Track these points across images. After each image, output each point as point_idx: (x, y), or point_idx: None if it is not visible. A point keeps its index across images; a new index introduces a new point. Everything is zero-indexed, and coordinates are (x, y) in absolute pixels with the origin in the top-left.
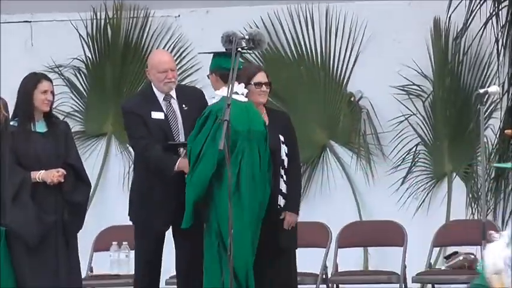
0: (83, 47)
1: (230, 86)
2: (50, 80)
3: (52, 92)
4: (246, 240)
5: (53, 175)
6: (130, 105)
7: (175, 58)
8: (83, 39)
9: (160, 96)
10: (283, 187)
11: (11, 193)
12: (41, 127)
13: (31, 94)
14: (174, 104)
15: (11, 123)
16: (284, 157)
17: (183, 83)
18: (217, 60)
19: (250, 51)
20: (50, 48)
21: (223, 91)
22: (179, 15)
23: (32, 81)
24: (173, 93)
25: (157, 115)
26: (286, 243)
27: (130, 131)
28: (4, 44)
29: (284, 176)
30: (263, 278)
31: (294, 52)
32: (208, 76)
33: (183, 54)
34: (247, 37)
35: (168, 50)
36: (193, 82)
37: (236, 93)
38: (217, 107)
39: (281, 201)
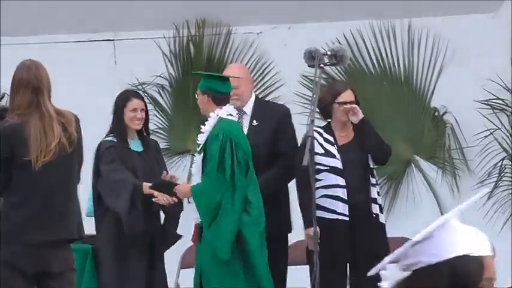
0: (166, 64)
1: (315, 100)
2: (141, 98)
3: (143, 110)
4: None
5: (167, 198)
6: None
7: (256, 74)
8: (166, 56)
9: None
10: (375, 195)
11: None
12: (136, 146)
13: (121, 112)
14: (245, 119)
15: (107, 138)
16: (373, 166)
17: (266, 99)
18: (212, 82)
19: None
20: (134, 66)
21: (218, 112)
22: (261, 32)
23: (122, 99)
24: (248, 108)
25: None
26: (382, 249)
27: None
28: (88, 62)
29: (376, 185)
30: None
31: (377, 67)
32: (196, 95)
33: (266, 71)
34: (329, 53)
35: (249, 66)
36: (276, 99)
37: (231, 114)
38: (226, 130)
39: (375, 209)
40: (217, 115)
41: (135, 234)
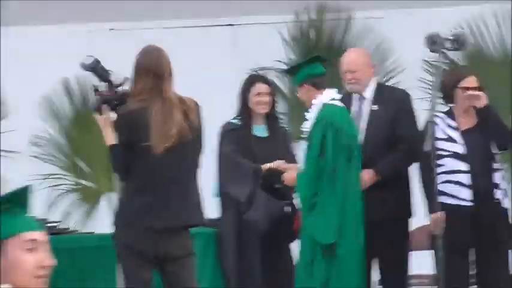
0: (285, 49)
1: (437, 85)
2: (267, 82)
3: (269, 94)
4: None
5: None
6: None
7: (377, 60)
8: (286, 42)
9: (355, 96)
10: (498, 180)
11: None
12: (261, 131)
13: (246, 96)
14: (365, 104)
15: (233, 121)
16: (495, 151)
17: (389, 83)
18: (305, 69)
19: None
20: (254, 51)
21: (321, 98)
22: (382, 17)
23: (246, 83)
24: (368, 93)
25: None
26: (505, 235)
27: None
28: (209, 47)
29: (499, 170)
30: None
31: (500, 52)
32: (295, 92)
33: (386, 56)
34: (451, 38)
35: (370, 51)
36: (397, 84)
37: (333, 99)
38: (328, 116)
39: (498, 195)
40: (321, 101)
41: (256, 221)
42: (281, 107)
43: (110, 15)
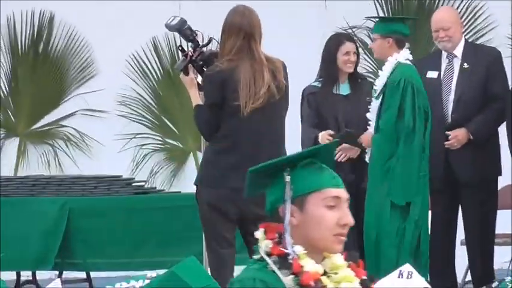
0: (376, 7)
1: None
2: (353, 41)
3: (355, 53)
4: None
5: (346, 154)
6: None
7: (469, 18)
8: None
9: (444, 55)
10: None
11: None
12: (344, 89)
13: (334, 55)
14: (456, 62)
15: (314, 83)
16: None
17: (477, 42)
18: (397, 25)
19: None
20: (344, 9)
21: (397, 57)
22: None
23: (334, 43)
24: (458, 51)
25: (431, 74)
26: None
27: None
28: (299, 5)
29: None
30: None
31: None
32: (372, 40)
33: (477, 15)
34: None
35: (461, 9)
36: (487, 42)
37: (408, 59)
38: (407, 76)
39: None
40: (396, 59)
41: None
42: (371, 65)
43: None
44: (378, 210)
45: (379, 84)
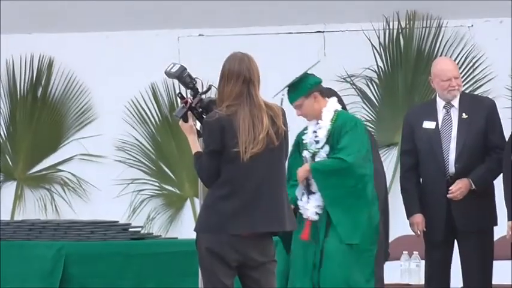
0: (375, 56)
1: None
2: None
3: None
4: None
5: None
6: (407, 114)
7: (467, 68)
8: (375, 49)
9: (440, 105)
10: None
11: None
12: None
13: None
14: (454, 112)
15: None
16: None
17: (476, 93)
18: (310, 78)
19: None
20: (343, 58)
21: (332, 105)
22: (472, 25)
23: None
24: (455, 102)
25: (428, 124)
26: None
27: (401, 141)
28: (298, 54)
29: None
30: None
31: None
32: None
33: (476, 65)
34: None
35: (459, 59)
36: (485, 93)
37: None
38: (355, 119)
39: None
40: (332, 108)
41: None
42: (369, 114)
43: (199, 21)
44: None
45: (321, 135)
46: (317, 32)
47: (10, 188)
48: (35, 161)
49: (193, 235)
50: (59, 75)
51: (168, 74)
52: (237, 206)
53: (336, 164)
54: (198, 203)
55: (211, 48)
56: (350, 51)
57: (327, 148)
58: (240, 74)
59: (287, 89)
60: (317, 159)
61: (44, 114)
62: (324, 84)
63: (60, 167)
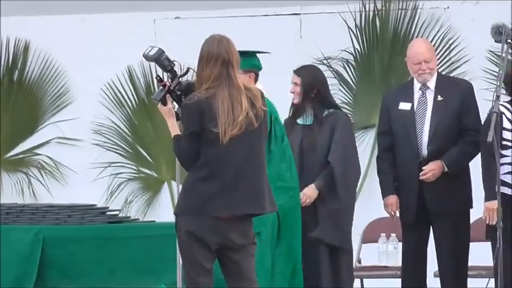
0: (351, 38)
1: (501, 76)
2: (296, 74)
3: (298, 84)
4: None
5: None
6: (384, 96)
7: (443, 50)
8: (352, 31)
9: (417, 87)
10: None
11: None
12: (307, 120)
13: None
14: (429, 94)
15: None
16: None
17: (452, 74)
18: (255, 59)
19: None
20: (319, 40)
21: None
22: (448, 7)
23: None
24: (432, 83)
25: (404, 106)
26: None
27: (378, 123)
28: (275, 36)
29: None
30: None
31: None
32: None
33: (452, 46)
34: None
35: (435, 41)
36: (461, 74)
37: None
38: (273, 111)
39: None
40: None
41: None
42: (346, 96)
43: (176, 4)
44: None
45: None
46: (293, 14)
47: None
48: (11, 144)
49: (170, 218)
50: (35, 59)
51: (146, 56)
52: (217, 188)
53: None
54: (175, 186)
55: (188, 31)
56: (326, 33)
57: None
58: (218, 56)
59: None
60: None
61: (20, 98)
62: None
63: (37, 151)
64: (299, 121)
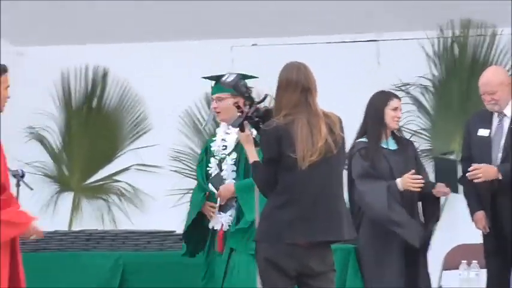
0: (429, 65)
1: None
2: (399, 98)
3: (400, 109)
4: None
5: (408, 181)
6: (467, 121)
7: None
8: (430, 57)
9: (495, 114)
10: None
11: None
12: (391, 144)
13: (382, 111)
14: (506, 121)
15: (362, 139)
16: None
17: None
18: (246, 84)
19: None
20: (397, 66)
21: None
22: None
23: (382, 99)
24: (508, 110)
25: (482, 132)
26: None
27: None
28: (352, 62)
29: None
30: None
31: None
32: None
33: None
34: None
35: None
36: None
37: None
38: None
39: None
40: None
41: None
42: (424, 123)
43: (253, 31)
44: None
45: (229, 142)
46: (371, 40)
47: (67, 198)
48: (91, 171)
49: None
50: (113, 86)
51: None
52: (294, 215)
53: None
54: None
55: (265, 58)
56: (404, 60)
57: (234, 155)
58: (297, 83)
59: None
60: (224, 166)
61: (98, 125)
62: None
63: (116, 177)
64: (382, 145)
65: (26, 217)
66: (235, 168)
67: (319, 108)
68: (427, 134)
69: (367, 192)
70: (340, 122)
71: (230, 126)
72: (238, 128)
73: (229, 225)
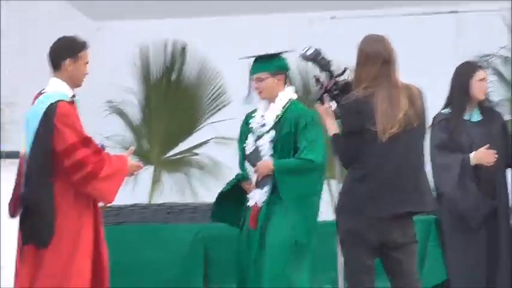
0: (511, 36)
1: None
2: (483, 69)
3: (486, 80)
4: None
5: (480, 156)
6: None
7: None
8: (509, 27)
9: None
10: None
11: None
12: (475, 116)
13: (467, 82)
14: None
15: (444, 111)
16: None
17: None
18: (284, 60)
19: None
20: (478, 37)
21: (289, 93)
22: None
23: (468, 70)
24: None
25: None
26: None
27: None
28: (431, 34)
29: None
30: None
31: None
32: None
33: None
34: None
35: None
36: None
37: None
38: (309, 112)
39: None
40: (286, 96)
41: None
42: (504, 93)
43: (331, 4)
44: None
45: (268, 119)
46: (451, 12)
47: (147, 172)
48: (170, 144)
49: (330, 217)
50: (191, 60)
51: (303, 56)
52: (374, 188)
53: (303, 165)
54: (334, 185)
55: (343, 31)
56: (485, 31)
57: (272, 133)
58: (377, 56)
59: (254, 58)
60: (260, 142)
61: (177, 98)
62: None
63: (195, 151)
64: (465, 117)
65: (121, 161)
66: (272, 145)
67: (399, 80)
68: (509, 104)
69: (439, 165)
70: (421, 93)
71: (271, 104)
72: (317, 100)
73: (262, 202)
